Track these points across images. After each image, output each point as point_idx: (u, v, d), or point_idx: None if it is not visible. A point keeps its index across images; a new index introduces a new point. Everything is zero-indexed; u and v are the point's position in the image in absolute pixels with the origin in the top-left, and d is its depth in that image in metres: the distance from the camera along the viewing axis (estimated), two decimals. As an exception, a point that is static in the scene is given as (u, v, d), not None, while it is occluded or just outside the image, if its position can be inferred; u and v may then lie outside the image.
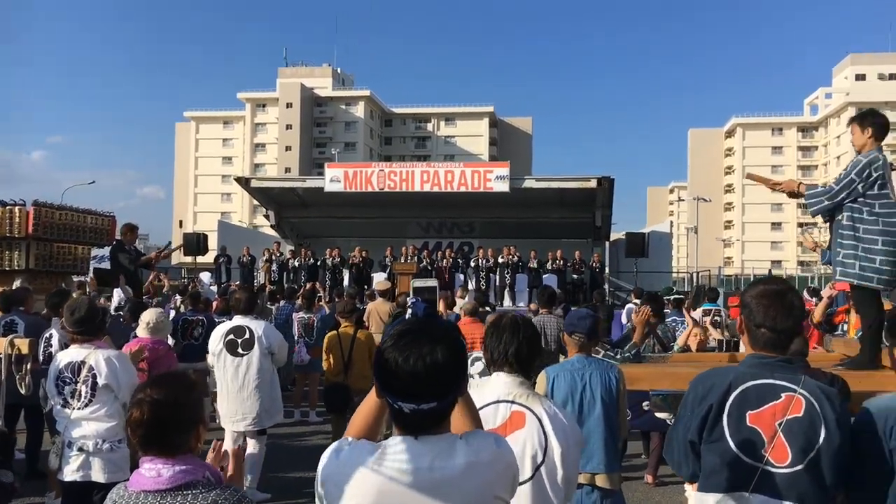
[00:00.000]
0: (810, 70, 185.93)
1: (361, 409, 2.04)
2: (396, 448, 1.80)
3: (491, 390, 2.83)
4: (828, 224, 5.50)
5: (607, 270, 22.78)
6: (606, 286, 22.04)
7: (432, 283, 3.95)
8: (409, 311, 2.13)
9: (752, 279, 30.84)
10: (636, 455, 7.88)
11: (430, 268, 21.19)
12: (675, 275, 36.59)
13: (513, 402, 2.76)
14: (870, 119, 5.26)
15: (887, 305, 5.69)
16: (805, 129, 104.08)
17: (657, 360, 6.14)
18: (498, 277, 20.80)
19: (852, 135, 5.39)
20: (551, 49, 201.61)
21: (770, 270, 31.79)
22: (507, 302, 20.27)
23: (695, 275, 33.13)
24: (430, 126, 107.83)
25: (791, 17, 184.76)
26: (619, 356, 5.57)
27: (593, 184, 21.41)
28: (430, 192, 22.47)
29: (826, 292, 7.68)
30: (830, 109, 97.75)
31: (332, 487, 1.81)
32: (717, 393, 2.56)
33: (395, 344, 1.79)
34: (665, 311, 9.64)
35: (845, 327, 8.00)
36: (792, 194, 5.66)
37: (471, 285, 19.79)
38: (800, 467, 2.45)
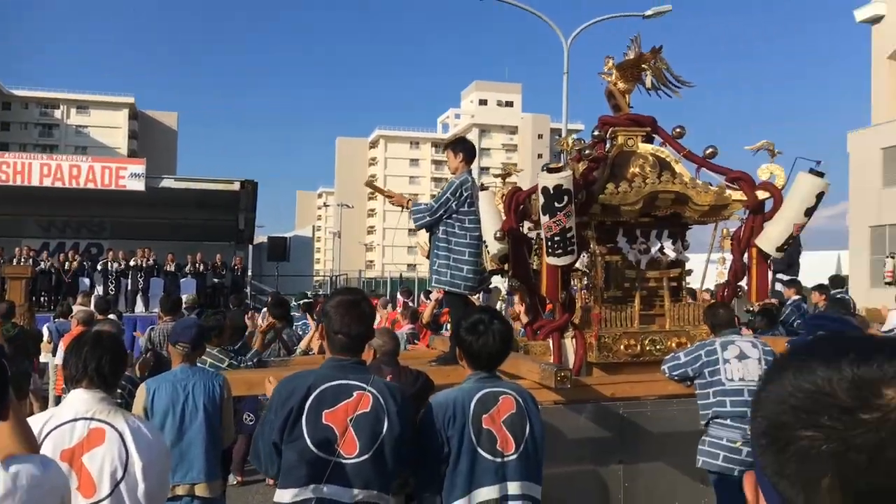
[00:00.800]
0: (445, 91, 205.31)
1: None
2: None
3: (68, 408, 2.70)
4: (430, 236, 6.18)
5: (250, 274, 22.70)
6: (248, 290, 21.96)
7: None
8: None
9: (389, 281, 33.07)
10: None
11: (51, 271, 19.10)
12: (317, 278, 37.70)
13: (92, 418, 2.67)
14: (461, 145, 6.03)
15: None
16: (438, 145, 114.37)
17: (279, 364, 6.32)
18: (130, 281, 19.48)
19: (447, 159, 6.12)
20: (201, 43, 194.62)
21: (401, 274, 34.49)
22: (139, 307, 19.10)
23: (336, 278, 34.52)
24: (58, 113, 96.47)
25: (433, 40, 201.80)
26: (242, 363, 5.63)
27: (237, 186, 21.16)
28: (52, 188, 20.21)
29: (434, 295, 8.57)
30: (459, 128, 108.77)
31: None
32: (298, 396, 2.77)
33: None
34: (295, 314, 9.93)
35: (448, 327, 9.01)
36: (401, 206, 6.26)
37: (98, 290, 18.24)
38: (366, 457, 2.75)
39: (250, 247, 23.98)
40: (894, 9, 27.43)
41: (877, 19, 28.21)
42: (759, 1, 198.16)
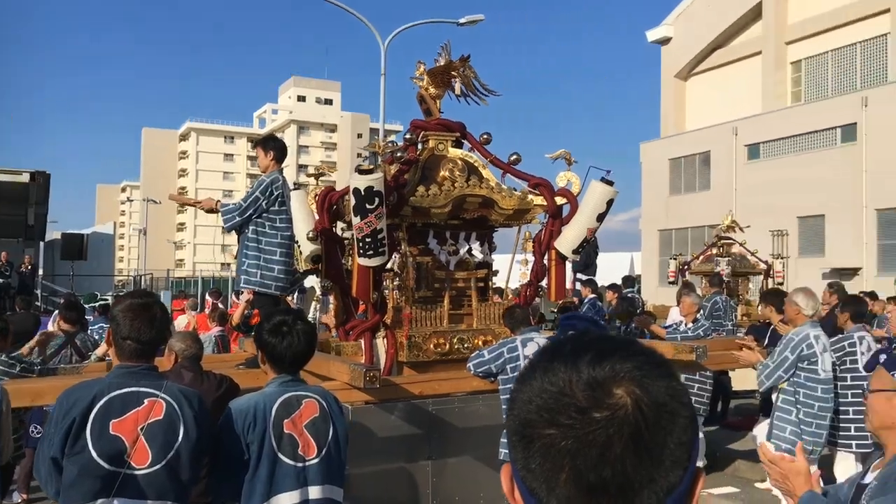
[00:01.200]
0: (262, 85, 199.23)
1: None
2: None
3: None
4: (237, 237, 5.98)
5: (41, 273, 20.85)
6: (39, 291, 20.17)
7: None
8: None
9: (200, 281, 31.64)
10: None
11: None
12: (119, 278, 35.34)
13: None
14: (272, 144, 5.91)
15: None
16: (254, 140, 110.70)
17: (70, 372, 5.86)
18: None
19: (258, 157, 5.98)
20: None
21: (214, 274, 33.13)
22: None
23: (141, 278, 32.52)
24: None
25: (249, 32, 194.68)
26: (35, 370, 5.19)
27: (26, 178, 19.36)
28: None
29: (244, 297, 8.29)
30: (276, 124, 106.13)
31: None
32: (81, 406, 2.58)
33: None
34: (92, 317, 9.24)
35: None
36: (211, 210, 6.01)
37: None
38: (159, 466, 2.62)
39: (41, 244, 22.06)
40: (681, 31, 30.28)
41: (665, 41, 30.99)
42: (565, 19, 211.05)
